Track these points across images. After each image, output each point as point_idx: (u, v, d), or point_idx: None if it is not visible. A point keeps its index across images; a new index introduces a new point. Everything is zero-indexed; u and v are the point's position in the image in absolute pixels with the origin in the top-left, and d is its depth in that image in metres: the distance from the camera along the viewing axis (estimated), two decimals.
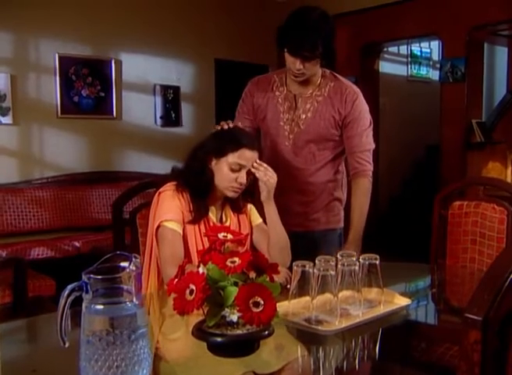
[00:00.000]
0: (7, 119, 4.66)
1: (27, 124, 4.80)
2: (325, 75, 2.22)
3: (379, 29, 5.68)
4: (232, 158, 1.82)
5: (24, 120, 4.77)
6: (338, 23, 5.79)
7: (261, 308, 1.10)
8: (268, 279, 1.18)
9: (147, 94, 5.54)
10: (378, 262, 1.48)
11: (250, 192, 1.94)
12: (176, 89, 5.71)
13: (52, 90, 4.91)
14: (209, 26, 5.83)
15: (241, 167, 1.83)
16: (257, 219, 2.01)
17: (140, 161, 5.39)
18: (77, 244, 4.38)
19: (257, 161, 1.86)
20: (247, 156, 1.83)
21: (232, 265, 1.12)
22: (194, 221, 1.84)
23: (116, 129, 5.33)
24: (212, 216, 1.91)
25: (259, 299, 1.11)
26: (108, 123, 5.29)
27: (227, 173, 1.84)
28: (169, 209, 1.82)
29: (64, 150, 4.99)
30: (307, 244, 2.18)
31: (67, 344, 0.97)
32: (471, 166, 5.04)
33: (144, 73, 5.48)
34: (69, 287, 0.96)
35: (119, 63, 5.29)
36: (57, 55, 4.87)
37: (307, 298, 1.41)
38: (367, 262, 1.48)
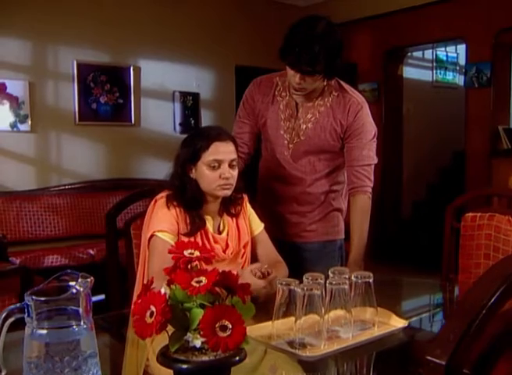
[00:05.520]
0: (25, 127, 4.67)
1: (45, 131, 4.80)
2: (329, 83, 2.09)
3: (403, 33, 5.55)
4: (206, 156, 1.73)
5: (42, 127, 4.77)
6: (360, 28, 5.77)
7: (228, 333, 1.00)
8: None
9: (166, 101, 5.50)
10: (371, 280, 1.36)
11: (240, 189, 1.85)
12: (196, 96, 5.66)
13: (70, 97, 4.90)
14: (230, 32, 5.79)
15: (219, 162, 1.74)
16: (257, 228, 1.92)
17: (159, 168, 5.31)
18: (92, 252, 4.33)
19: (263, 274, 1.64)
20: (220, 150, 1.74)
21: (197, 285, 1.02)
22: (191, 234, 1.75)
23: (135, 136, 5.31)
24: (209, 225, 1.82)
25: (227, 323, 1.00)
26: (126, 130, 5.26)
27: (208, 173, 1.75)
28: (164, 219, 1.74)
29: (82, 157, 4.98)
30: (306, 255, 2.08)
31: (4, 373, 0.88)
32: (496, 173, 4.84)
33: (163, 79, 5.44)
34: (8, 308, 0.88)
35: (137, 70, 5.27)
36: (75, 62, 4.87)
37: (294, 319, 1.30)
38: (360, 281, 1.37)
